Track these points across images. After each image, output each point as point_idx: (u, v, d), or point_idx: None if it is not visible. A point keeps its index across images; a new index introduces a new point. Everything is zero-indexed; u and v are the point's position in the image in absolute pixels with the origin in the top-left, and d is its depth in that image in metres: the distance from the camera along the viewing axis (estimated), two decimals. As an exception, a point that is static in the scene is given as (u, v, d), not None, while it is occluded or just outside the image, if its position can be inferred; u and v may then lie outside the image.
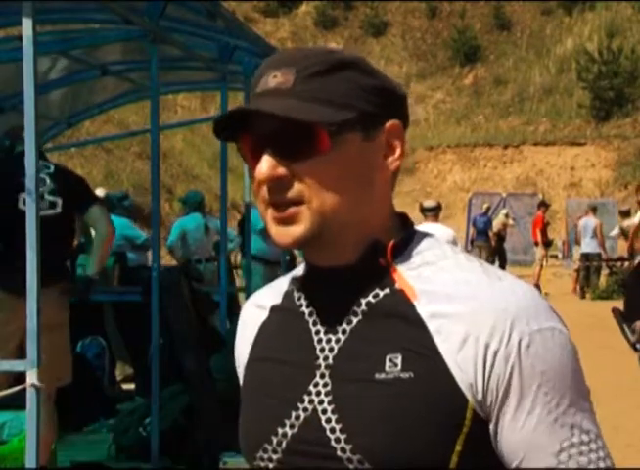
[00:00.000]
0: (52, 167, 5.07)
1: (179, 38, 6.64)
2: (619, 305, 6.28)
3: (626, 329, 5.42)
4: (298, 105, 1.16)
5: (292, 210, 1.18)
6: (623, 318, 5.50)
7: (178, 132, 25.32)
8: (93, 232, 5.64)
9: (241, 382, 1.37)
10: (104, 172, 21.84)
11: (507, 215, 22.75)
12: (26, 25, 3.70)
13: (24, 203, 4.84)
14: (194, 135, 26.93)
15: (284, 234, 1.19)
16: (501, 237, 21.67)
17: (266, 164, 1.17)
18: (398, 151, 1.23)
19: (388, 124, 1.22)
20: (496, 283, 1.18)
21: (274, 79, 1.19)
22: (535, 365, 1.13)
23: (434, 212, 9.23)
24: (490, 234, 21.41)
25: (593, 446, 1.15)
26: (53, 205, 4.83)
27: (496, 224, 21.90)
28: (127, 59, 8.07)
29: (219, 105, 7.80)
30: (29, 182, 3.80)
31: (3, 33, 7.86)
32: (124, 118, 22.50)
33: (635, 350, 5.46)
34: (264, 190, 1.19)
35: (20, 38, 3.97)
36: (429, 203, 9.69)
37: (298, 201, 1.18)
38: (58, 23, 7.60)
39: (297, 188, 1.18)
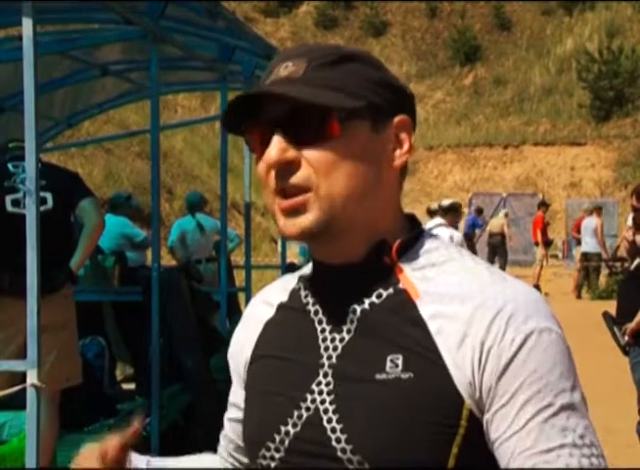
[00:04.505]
0: (39, 165, 5.09)
1: (179, 38, 6.63)
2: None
3: (617, 332, 5.39)
4: (310, 90, 1.16)
5: (299, 198, 1.16)
6: (614, 322, 5.47)
7: (178, 132, 25.29)
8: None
9: (236, 376, 1.36)
10: (104, 172, 21.81)
11: (507, 215, 22.83)
12: (26, 25, 3.70)
13: (12, 205, 4.87)
14: (194, 135, 26.91)
15: (291, 225, 1.18)
16: (503, 237, 21.68)
17: (276, 148, 1.16)
18: (406, 145, 1.23)
19: (396, 118, 1.22)
20: (499, 283, 1.18)
21: (285, 69, 1.19)
22: (528, 364, 1.12)
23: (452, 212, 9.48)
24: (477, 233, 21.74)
25: (586, 451, 1.12)
26: (43, 200, 4.82)
27: (497, 224, 21.91)
28: (127, 59, 8.07)
29: (219, 105, 7.80)
30: (29, 183, 3.79)
31: (3, 33, 7.86)
32: (124, 118, 22.49)
33: (625, 353, 5.43)
34: (271, 177, 1.18)
35: (20, 38, 3.96)
36: (445, 202, 9.89)
37: (306, 187, 1.16)
38: (58, 23, 7.59)
39: (304, 173, 1.16)
